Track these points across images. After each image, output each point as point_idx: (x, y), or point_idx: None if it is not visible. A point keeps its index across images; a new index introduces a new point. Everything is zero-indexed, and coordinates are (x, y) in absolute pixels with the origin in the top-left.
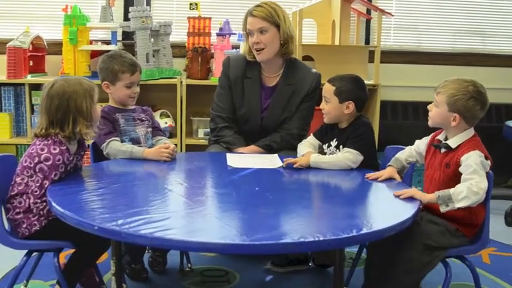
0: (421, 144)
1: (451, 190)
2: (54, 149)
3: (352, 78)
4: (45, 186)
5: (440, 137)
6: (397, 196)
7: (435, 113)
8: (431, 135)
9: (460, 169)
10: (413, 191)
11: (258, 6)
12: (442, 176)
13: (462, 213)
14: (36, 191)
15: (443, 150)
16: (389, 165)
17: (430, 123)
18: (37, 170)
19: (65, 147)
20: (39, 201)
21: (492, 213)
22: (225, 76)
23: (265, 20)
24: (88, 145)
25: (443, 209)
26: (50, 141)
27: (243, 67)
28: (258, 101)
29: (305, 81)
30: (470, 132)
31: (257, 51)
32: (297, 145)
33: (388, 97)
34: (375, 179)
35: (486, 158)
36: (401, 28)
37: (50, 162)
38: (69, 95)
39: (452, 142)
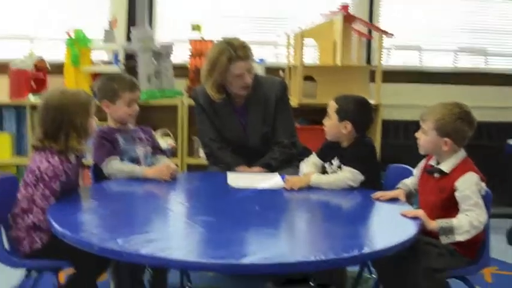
0: (416, 171)
1: (454, 222)
2: (53, 158)
3: (356, 100)
4: (46, 195)
5: (432, 162)
6: (404, 215)
7: (425, 141)
8: (424, 161)
9: (457, 196)
10: (420, 213)
11: (240, 48)
12: (436, 200)
13: None
14: (38, 202)
15: (436, 175)
16: (398, 188)
17: (421, 150)
18: (39, 182)
19: (63, 157)
20: (41, 212)
21: (493, 231)
22: (198, 105)
23: (251, 58)
24: (88, 166)
25: (443, 240)
26: (48, 153)
27: (209, 96)
28: (236, 120)
29: (270, 91)
30: (462, 154)
31: (245, 88)
32: (294, 154)
33: (390, 116)
34: (380, 198)
35: (481, 179)
36: (403, 47)
37: (50, 172)
38: (64, 108)
39: (445, 166)
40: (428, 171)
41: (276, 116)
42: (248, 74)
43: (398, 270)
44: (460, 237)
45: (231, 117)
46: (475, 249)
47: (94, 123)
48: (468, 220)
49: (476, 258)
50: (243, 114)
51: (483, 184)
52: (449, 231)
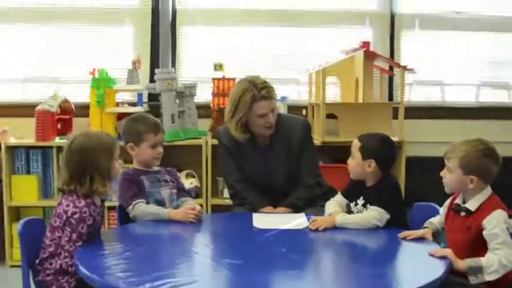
0: (442, 211)
1: (483, 262)
2: (80, 202)
3: (379, 138)
4: (73, 239)
5: (458, 200)
6: (432, 255)
7: (450, 179)
8: (449, 199)
9: (485, 235)
10: (448, 252)
11: (263, 88)
12: (464, 239)
13: None
14: (65, 245)
15: (463, 213)
16: (425, 227)
17: (447, 190)
18: (66, 226)
19: (90, 200)
20: (68, 255)
21: None
22: (222, 145)
23: (274, 97)
24: (114, 207)
25: (472, 280)
26: (74, 197)
27: (233, 137)
28: (259, 161)
29: (294, 131)
30: (488, 191)
31: (268, 128)
32: (318, 193)
33: (414, 153)
34: (406, 237)
35: (509, 216)
36: (425, 83)
37: (77, 216)
38: (87, 151)
39: (471, 205)
40: (454, 209)
41: (300, 155)
42: (271, 114)
43: None
44: (489, 277)
45: (255, 157)
46: (505, 286)
47: (118, 165)
48: (497, 259)
49: None
50: (267, 154)
51: (511, 221)
52: (479, 270)
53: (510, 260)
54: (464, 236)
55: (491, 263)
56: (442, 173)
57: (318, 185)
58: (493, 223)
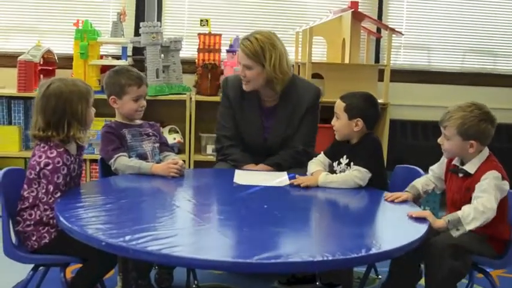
0: (436, 169)
1: (460, 213)
2: (52, 153)
3: (363, 96)
4: (50, 191)
5: (456, 161)
6: (411, 216)
7: (450, 147)
8: (446, 160)
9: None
10: (427, 213)
11: (248, 39)
12: (463, 199)
13: (487, 230)
14: (43, 198)
15: (461, 174)
16: (406, 191)
17: (446, 156)
18: (41, 177)
19: (62, 149)
20: (48, 208)
21: None
22: (225, 96)
23: (249, 57)
24: (96, 160)
25: (454, 233)
26: (46, 147)
27: (241, 88)
28: (259, 120)
29: (304, 97)
30: (485, 153)
31: (244, 82)
32: (304, 161)
33: (398, 116)
34: (392, 200)
35: (503, 177)
36: (411, 47)
37: (50, 167)
38: (65, 97)
39: (470, 167)
40: (453, 171)
41: (301, 121)
42: (244, 68)
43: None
44: (469, 226)
45: (255, 113)
46: (502, 246)
47: (92, 113)
48: (473, 208)
49: (502, 255)
50: (269, 116)
51: (505, 182)
52: (457, 222)
53: (486, 206)
54: (463, 196)
55: (468, 213)
56: (439, 140)
57: (305, 153)
58: (485, 181)
